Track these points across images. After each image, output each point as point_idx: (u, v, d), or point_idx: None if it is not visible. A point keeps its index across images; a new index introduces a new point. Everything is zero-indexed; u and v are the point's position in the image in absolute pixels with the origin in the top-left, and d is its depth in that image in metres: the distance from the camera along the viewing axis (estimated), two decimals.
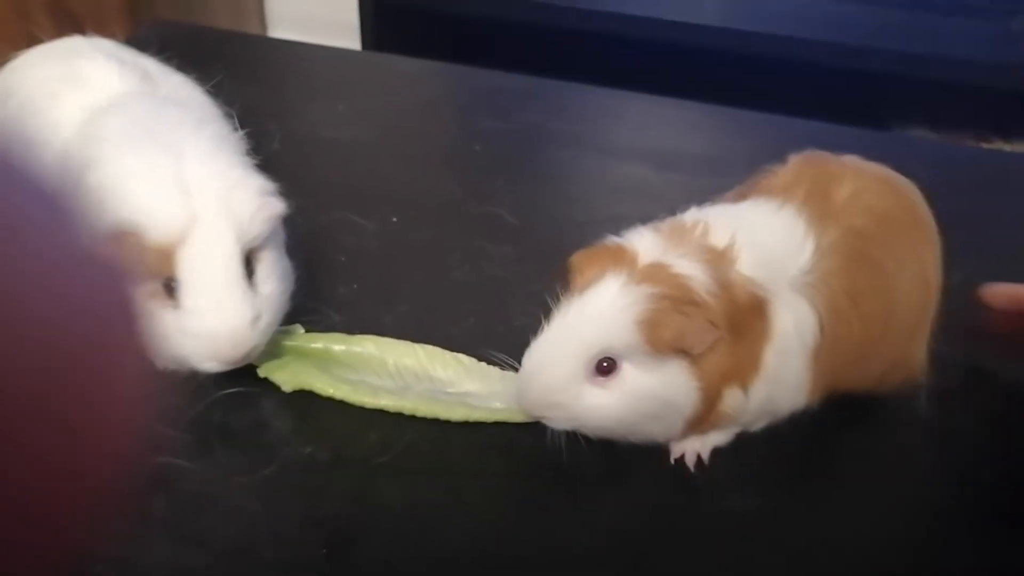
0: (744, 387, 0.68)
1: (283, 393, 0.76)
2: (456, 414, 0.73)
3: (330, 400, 0.75)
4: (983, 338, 0.83)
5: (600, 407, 0.66)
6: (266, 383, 0.76)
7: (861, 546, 0.67)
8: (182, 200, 0.68)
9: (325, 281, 0.86)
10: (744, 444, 0.73)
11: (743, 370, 0.67)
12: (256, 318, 0.70)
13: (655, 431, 0.70)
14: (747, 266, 0.67)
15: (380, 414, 0.74)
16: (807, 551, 0.67)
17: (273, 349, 0.75)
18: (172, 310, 0.68)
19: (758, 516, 0.69)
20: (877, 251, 0.71)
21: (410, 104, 1.20)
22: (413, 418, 0.73)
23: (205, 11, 2.45)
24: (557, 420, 0.68)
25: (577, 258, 0.69)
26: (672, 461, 0.72)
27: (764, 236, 0.70)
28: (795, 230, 0.70)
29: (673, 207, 0.74)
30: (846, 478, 0.74)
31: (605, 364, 0.65)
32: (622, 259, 0.66)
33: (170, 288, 0.68)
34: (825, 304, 0.69)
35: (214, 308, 0.68)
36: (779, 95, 1.49)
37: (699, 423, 0.69)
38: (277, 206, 0.72)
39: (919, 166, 0.78)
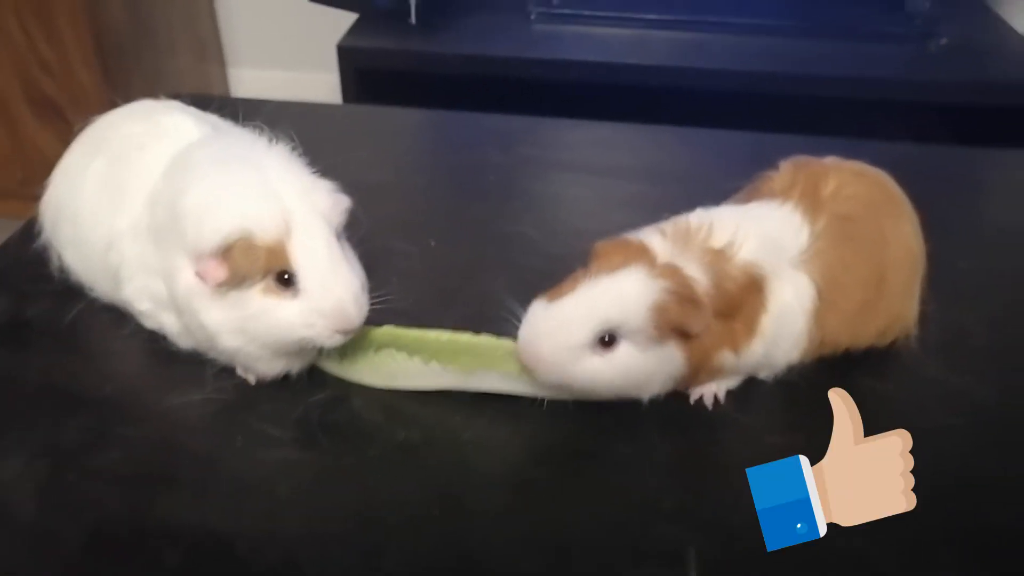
0: (735, 350, 0.82)
1: (371, 391, 0.86)
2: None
3: (414, 396, 0.85)
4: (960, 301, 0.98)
5: (592, 372, 0.78)
6: (352, 386, 0.86)
7: None
8: (277, 202, 0.78)
9: (383, 301, 0.95)
10: (777, 392, 0.87)
11: (735, 338, 0.81)
12: (363, 286, 0.81)
13: (639, 394, 0.82)
14: (751, 252, 0.81)
15: (461, 401, 0.84)
16: None
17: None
18: (291, 299, 0.78)
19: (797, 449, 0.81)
20: (862, 230, 0.87)
21: (421, 147, 1.33)
22: (489, 401, 0.84)
23: (177, 86, 2.56)
24: (549, 376, 0.79)
25: (601, 246, 0.82)
26: (691, 402, 0.86)
27: (767, 227, 0.85)
28: (793, 221, 0.86)
29: (657, 214, 0.86)
30: (870, 414, 0.85)
31: (607, 339, 0.78)
32: (643, 255, 0.79)
33: (283, 280, 0.78)
34: (821, 275, 0.84)
35: (334, 281, 0.79)
36: (731, 122, 1.66)
37: (689, 381, 0.84)
38: (346, 200, 0.84)
39: (883, 166, 0.94)
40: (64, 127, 2.39)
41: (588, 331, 0.77)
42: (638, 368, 0.79)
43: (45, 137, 2.41)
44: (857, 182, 0.89)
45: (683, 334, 0.78)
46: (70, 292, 0.94)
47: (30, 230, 1.00)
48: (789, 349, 0.85)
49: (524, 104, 1.69)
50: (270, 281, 0.78)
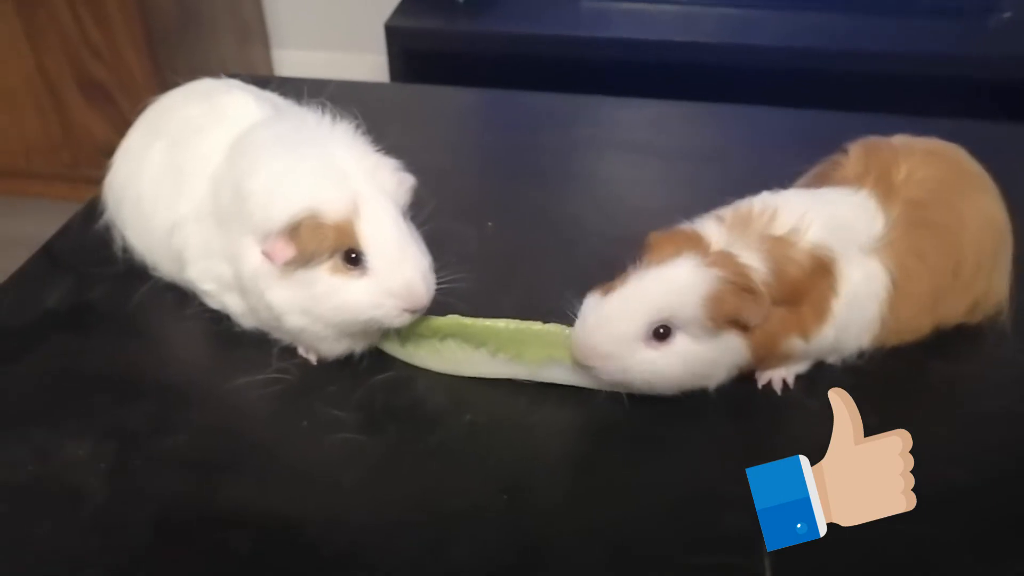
0: (804, 335, 0.80)
1: (434, 374, 0.85)
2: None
3: (477, 379, 0.84)
4: None
5: (649, 364, 0.77)
6: (415, 368, 0.86)
7: (957, 450, 0.78)
8: (343, 181, 0.78)
9: (444, 282, 0.94)
10: (846, 375, 0.84)
11: (804, 323, 0.79)
12: (431, 265, 0.80)
13: (703, 384, 0.81)
14: (817, 236, 0.78)
15: (526, 384, 0.84)
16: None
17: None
18: (358, 278, 0.78)
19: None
20: (936, 215, 0.84)
21: (477, 127, 1.33)
22: (555, 386, 0.83)
23: (222, 69, 2.56)
24: (606, 371, 0.78)
25: (654, 237, 0.80)
26: (759, 387, 0.84)
27: (838, 212, 0.82)
28: (867, 208, 0.83)
29: (717, 196, 0.85)
30: (939, 397, 0.85)
31: (661, 331, 0.76)
32: (696, 244, 0.77)
33: (351, 258, 0.77)
34: (895, 263, 0.81)
35: (403, 259, 0.78)
36: (782, 99, 1.62)
37: (756, 366, 0.82)
38: (411, 179, 0.83)
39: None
40: (113, 110, 2.43)
41: (639, 323, 0.76)
42: (696, 359, 0.77)
43: (94, 120, 2.43)
44: (928, 164, 0.86)
45: (742, 325, 0.76)
46: (133, 273, 0.95)
47: (92, 211, 1.00)
48: (859, 334, 0.83)
49: (572, 83, 1.67)
50: (338, 260, 0.77)
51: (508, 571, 0.68)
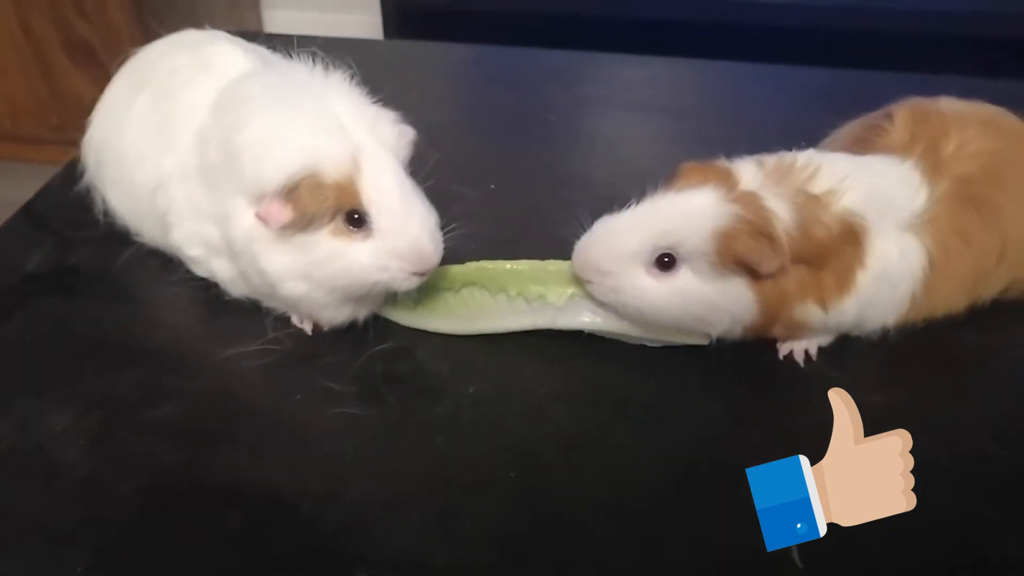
0: (822, 304, 0.75)
1: (436, 342, 0.81)
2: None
3: (482, 346, 0.80)
4: None
5: (645, 290, 0.74)
6: (415, 336, 0.82)
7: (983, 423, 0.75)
8: (343, 135, 0.72)
9: (446, 242, 0.90)
10: (872, 347, 0.80)
11: (823, 291, 0.75)
12: (438, 223, 0.76)
13: (700, 329, 0.77)
14: (854, 202, 0.74)
15: (532, 353, 0.80)
16: (948, 430, 0.73)
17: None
18: (362, 240, 0.73)
19: (898, 407, 0.75)
20: (986, 191, 0.79)
21: (476, 85, 1.27)
22: (563, 353, 0.79)
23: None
24: (599, 288, 0.75)
25: (686, 167, 0.76)
26: (780, 357, 0.80)
27: (881, 182, 0.77)
28: (911, 181, 0.78)
29: (731, 156, 0.79)
30: (974, 370, 0.81)
31: (666, 260, 0.73)
32: (725, 179, 0.73)
33: (354, 219, 0.72)
34: (935, 242, 0.77)
35: (409, 218, 0.73)
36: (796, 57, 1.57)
37: (765, 329, 0.77)
38: (411, 132, 0.78)
39: None
40: (99, 71, 2.35)
41: (642, 244, 0.72)
42: (696, 298, 0.73)
43: (80, 81, 2.36)
44: (981, 136, 0.81)
45: (753, 272, 0.72)
46: (116, 237, 0.90)
47: (72, 171, 0.95)
48: (886, 312, 0.78)
49: (577, 40, 1.61)
50: (339, 222, 0.72)
51: (517, 546, 0.65)
